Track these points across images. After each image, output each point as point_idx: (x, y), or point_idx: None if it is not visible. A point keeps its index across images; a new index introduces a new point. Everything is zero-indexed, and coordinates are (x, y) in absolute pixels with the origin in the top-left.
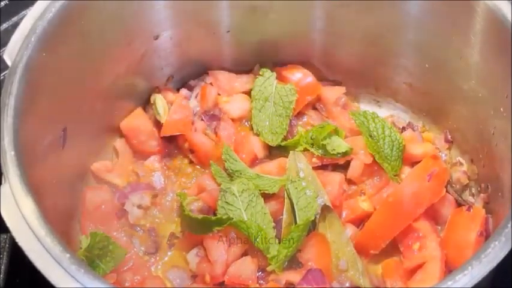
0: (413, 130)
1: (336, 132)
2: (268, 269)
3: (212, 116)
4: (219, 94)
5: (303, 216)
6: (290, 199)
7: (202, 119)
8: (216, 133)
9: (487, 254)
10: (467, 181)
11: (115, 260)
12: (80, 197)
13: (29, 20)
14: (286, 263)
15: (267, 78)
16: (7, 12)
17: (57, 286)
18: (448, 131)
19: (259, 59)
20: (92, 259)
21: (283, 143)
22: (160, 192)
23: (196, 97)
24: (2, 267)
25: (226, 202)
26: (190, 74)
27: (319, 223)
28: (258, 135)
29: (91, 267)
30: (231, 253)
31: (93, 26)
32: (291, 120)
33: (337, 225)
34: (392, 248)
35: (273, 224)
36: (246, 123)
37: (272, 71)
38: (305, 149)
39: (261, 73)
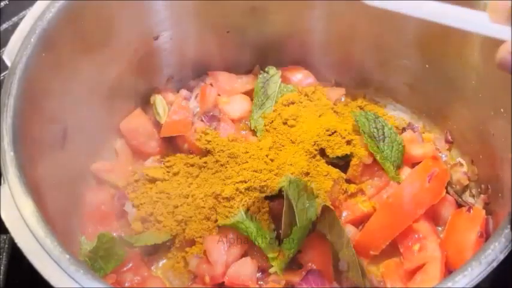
0: (414, 131)
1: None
2: (271, 270)
3: (212, 116)
4: (219, 95)
5: (302, 216)
6: (289, 200)
7: (202, 120)
8: None
9: (487, 255)
10: (468, 182)
11: (116, 260)
12: (79, 197)
13: (29, 20)
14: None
15: (271, 76)
16: (7, 12)
17: (56, 287)
18: (448, 131)
19: (259, 59)
20: (95, 260)
21: None
22: None
23: (196, 98)
24: (2, 267)
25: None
26: (190, 75)
27: (319, 224)
28: (255, 131)
29: (92, 268)
30: (231, 254)
31: (93, 26)
32: None
33: (337, 226)
34: (393, 249)
35: (273, 225)
36: (247, 123)
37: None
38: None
39: (266, 70)
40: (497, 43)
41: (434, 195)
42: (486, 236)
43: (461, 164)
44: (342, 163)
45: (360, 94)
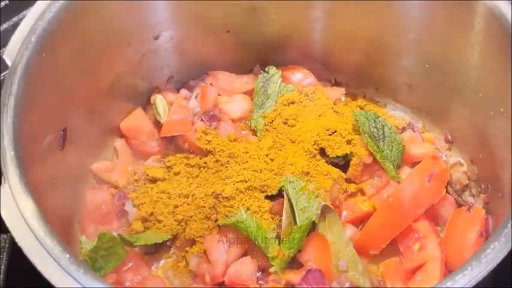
0: (414, 130)
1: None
2: (271, 270)
3: (212, 116)
4: (219, 94)
5: (302, 216)
6: (289, 199)
7: (202, 120)
8: None
9: (487, 254)
10: (468, 181)
11: (116, 260)
12: (80, 197)
13: (29, 20)
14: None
15: (271, 76)
16: (7, 12)
17: (56, 286)
18: (448, 131)
19: (259, 59)
20: (95, 259)
21: None
22: None
23: (196, 97)
24: (2, 267)
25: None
26: (190, 75)
27: (319, 223)
28: (255, 131)
29: (93, 268)
30: (231, 253)
31: (93, 26)
32: None
33: (337, 226)
34: (393, 249)
35: (273, 225)
36: (247, 122)
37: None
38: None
39: (266, 70)
40: (497, 43)
41: (434, 194)
42: (486, 235)
43: (461, 164)
44: (342, 163)
45: (360, 94)
